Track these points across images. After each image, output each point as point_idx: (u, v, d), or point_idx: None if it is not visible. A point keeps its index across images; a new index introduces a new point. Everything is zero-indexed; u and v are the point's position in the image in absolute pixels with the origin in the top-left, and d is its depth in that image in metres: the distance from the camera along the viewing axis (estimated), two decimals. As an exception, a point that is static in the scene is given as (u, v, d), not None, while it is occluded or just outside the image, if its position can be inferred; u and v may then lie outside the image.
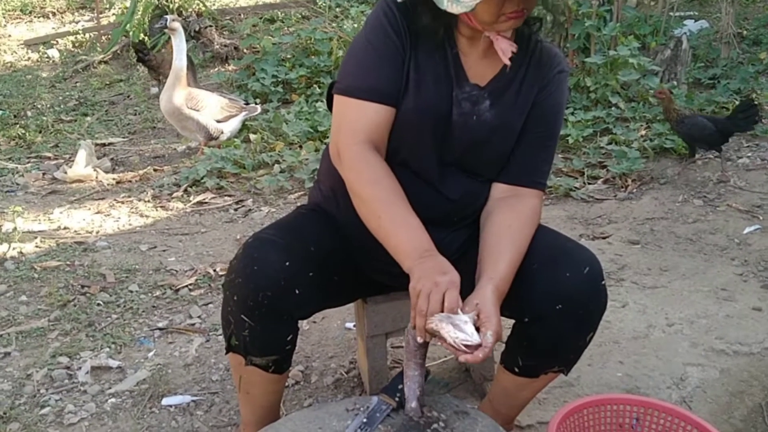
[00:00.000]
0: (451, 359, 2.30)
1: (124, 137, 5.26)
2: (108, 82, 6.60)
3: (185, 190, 4.03)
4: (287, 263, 1.49)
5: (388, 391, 1.52)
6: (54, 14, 9.00)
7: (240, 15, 7.73)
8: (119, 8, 8.23)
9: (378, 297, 1.90)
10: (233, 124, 4.71)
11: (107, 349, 2.43)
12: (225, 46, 6.78)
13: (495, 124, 1.59)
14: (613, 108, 4.74)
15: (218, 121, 4.60)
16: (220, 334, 2.46)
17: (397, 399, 1.49)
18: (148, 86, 6.30)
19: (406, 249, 1.46)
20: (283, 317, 1.54)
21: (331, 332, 2.53)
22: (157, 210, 3.81)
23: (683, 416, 1.67)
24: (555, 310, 1.50)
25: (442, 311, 1.36)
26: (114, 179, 4.31)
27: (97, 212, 3.79)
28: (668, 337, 2.42)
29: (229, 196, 3.96)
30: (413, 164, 1.61)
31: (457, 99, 1.57)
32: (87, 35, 7.93)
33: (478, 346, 1.34)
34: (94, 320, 2.61)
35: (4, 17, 8.70)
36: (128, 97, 6.18)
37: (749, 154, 4.17)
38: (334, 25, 6.29)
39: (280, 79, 5.66)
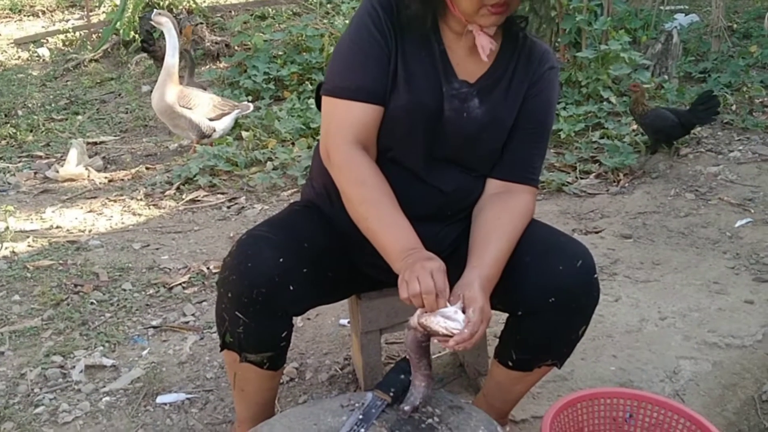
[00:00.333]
0: (444, 354, 2.30)
1: (115, 136, 5.25)
2: (99, 81, 6.58)
3: (178, 188, 4.02)
4: (281, 260, 1.49)
5: (382, 386, 1.53)
6: (44, 13, 8.97)
7: (231, 12, 7.71)
8: (109, 6, 8.20)
9: (372, 293, 1.90)
10: (225, 122, 4.70)
11: (101, 348, 2.42)
12: (216, 43, 6.76)
13: (485, 121, 1.60)
14: (604, 102, 4.76)
15: (210, 119, 4.59)
16: (215, 332, 2.46)
17: (391, 394, 1.50)
18: (140, 84, 6.29)
19: (394, 249, 1.47)
20: (278, 314, 1.54)
21: (325, 329, 2.53)
22: (149, 208, 3.80)
23: (676, 409, 1.68)
24: (548, 303, 1.51)
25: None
26: (106, 178, 4.30)
27: (90, 211, 3.78)
28: (661, 331, 2.43)
29: (222, 193, 3.96)
30: (404, 160, 1.61)
31: (448, 95, 1.58)
32: (77, 33, 7.90)
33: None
34: (88, 319, 2.61)
35: (-7, 16, 8.67)
36: (119, 95, 6.16)
37: (740, 148, 4.19)
38: (325, 21, 6.29)
39: (271, 76, 5.65)
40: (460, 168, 1.65)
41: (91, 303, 2.71)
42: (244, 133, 4.68)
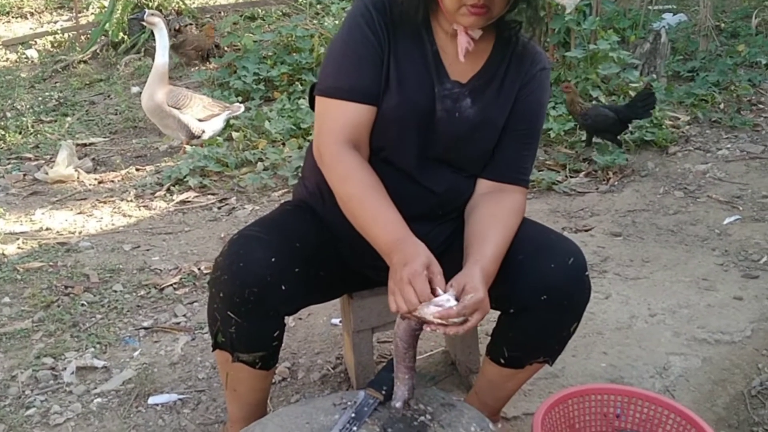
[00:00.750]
0: (437, 352, 2.31)
1: (105, 137, 5.23)
2: (88, 82, 6.55)
3: (168, 189, 4.01)
4: (273, 259, 1.49)
5: (374, 385, 1.53)
6: (32, 14, 8.92)
7: (220, 13, 7.70)
8: (97, 7, 8.17)
9: (364, 292, 1.91)
10: (216, 124, 4.68)
11: (92, 349, 2.42)
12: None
13: (477, 121, 1.60)
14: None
15: (200, 120, 4.57)
16: (206, 333, 2.46)
17: (383, 392, 1.50)
18: (129, 85, 6.27)
19: (382, 242, 1.48)
20: (270, 313, 1.54)
21: (317, 328, 2.53)
22: (140, 209, 3.79)
23: (666, 405, 1.70)
24: (540, 301, 1.52)
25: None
26: (96, 179, 4.28)
27: (80, 213, 3.77)
28: (651, 328, 2.45)
29: (213, 194, 3.95)
30: (396, 160, 1.62)
31: (440, 95, 1.58)
32: (66, 35, 7.86)
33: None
34: (79, 321, 2.60)
35: (-19, 18, 8.62)
36: (109, 96, 6.14)
37: (729, 146, 4.22)
38: (315, 22, 6.28)
39: (261, 77, 5.64)
40: (452, 168, 1.66)
41: (82, 304, 2.70)
42: (235, 134, 4.67)
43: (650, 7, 6.33)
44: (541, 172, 3.87)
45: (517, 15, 1.60)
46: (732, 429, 2.04)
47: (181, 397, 2.16)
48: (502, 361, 1.67)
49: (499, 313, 1.65)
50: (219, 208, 3.77)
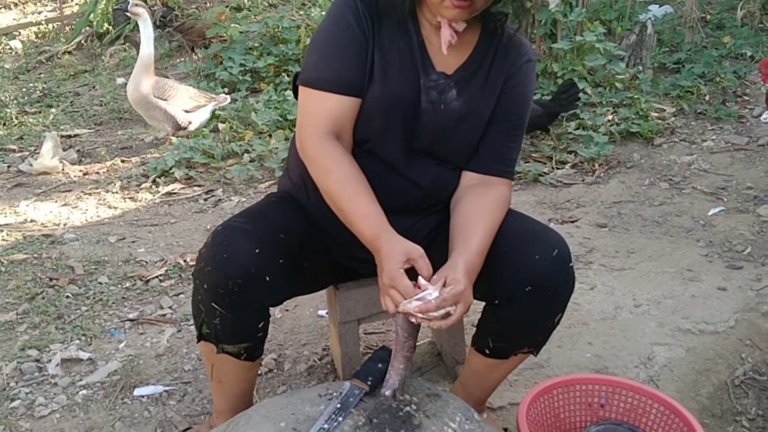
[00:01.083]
0: (423, 343, 2.31)
1: (90, 128, 5.20)
2: (72, 73, 6.50)
3: (154, 181, 3.99)
4: (257, 250, 1.49)
5: (360, 375, 1.53)
6: (16, 5, 8.83)
7: (206, 3, 7.64)
8: (82, -2, 8.11)
9: (350, 283, 1.91)
10: (202, 115, 4.66)
11: (77, 342, 2.41)
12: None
13: (463, 113, 1.60)
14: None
15: (186, 111, 4.55)
16: (192, 324, 2.44)
17: (369, 383, 1.51)
18: (114, 76, 6.22)
19: (367, 237, 1.48)
20: (254, 304, 1.54)
21: (303, 320, 2.53)
22: (125, 201, 3.77)
23: (650, 394, 1.71)
24: (524, 291, 1.52)
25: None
26: (81, 171, 4.26)
27: (65, 204, 3.74)
28: (636, 318, 2.46)
29: (199, 186, 3.93)
30: (381, 152, 1.61)
31: (425, 87, 1.58)
32: (50, 26, 7.79)
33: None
34: (64, 313, 2.59)
35: (-36, 8, 8.53)
36: (94, 87, 6.10)
37: (713, 137, 4.24)
38: (301, 12, 6.26)
39: (248, 68, 5.61)
40: (437, 160, 1.65)
41: (67, 296, 2.69)
42: (221, 125, 4.64)
43: (636, -1, 6.34)
44: (527, 164, 3.88)
45: (502, 6, 1.60)
46: (715, 418, 2.06)
47: (166, 388, 2.16)
48: (487, 351, 1.68)
49: (484, 304, 1.66)
50: (205, 199, 3.76)
